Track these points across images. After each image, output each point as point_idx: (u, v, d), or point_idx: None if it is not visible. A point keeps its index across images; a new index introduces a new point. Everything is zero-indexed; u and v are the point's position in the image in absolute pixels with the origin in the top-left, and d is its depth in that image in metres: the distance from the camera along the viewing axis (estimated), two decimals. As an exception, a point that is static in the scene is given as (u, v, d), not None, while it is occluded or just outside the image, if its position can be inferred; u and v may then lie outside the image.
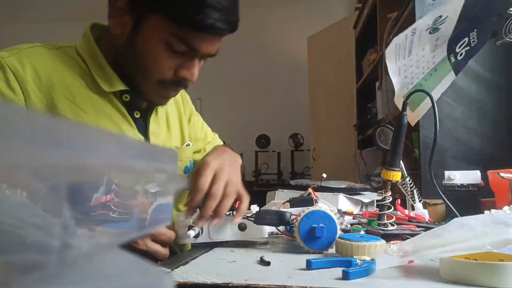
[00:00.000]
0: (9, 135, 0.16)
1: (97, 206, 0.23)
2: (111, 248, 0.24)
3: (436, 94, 1.08)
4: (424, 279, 0.55)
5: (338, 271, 0.60)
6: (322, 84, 4.07)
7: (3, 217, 0.22)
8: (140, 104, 0.92)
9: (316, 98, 4.16)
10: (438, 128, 0.89)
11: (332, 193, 1.14)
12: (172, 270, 0.60)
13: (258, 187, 4.78)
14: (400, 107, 0.89)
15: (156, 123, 0.96)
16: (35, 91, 0.80)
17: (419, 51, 1.00)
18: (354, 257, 0.66)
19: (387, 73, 1.01)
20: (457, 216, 0.91)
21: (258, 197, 1.14)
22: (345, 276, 0.55)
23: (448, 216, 1.07)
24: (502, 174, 1.01)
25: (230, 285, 0.53)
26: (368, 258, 0.64)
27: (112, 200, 0.23)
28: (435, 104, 0.88)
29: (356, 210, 1.17)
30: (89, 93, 0.85)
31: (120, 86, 0.87)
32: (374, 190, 1.30)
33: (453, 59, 1.04)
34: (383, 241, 0.69)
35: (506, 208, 0.90)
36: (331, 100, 3.98)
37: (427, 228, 0.92)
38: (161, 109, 0.98)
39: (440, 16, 0.95)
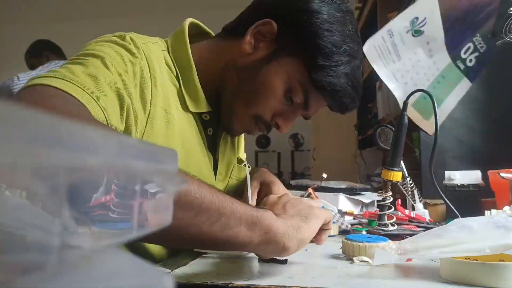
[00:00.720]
0: (9, 135, 0.16)
1: (97, 206, 0.23)
2: (111, 248, 0.24)
3: (452, 101, 1.09)
4: (424, 279, 0.55)
5: (338, 271, 0.60)
6: (322, 84, 4.07)
7: (3, 217, 0.22)
8: (215, 123, 0.88)
9: (316, 98, 4.16)
10: (438, 128, 0.89)
11: (332, 193, 1.14)
12: (172, 270, 0.60)
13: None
14: (411, 115, 0.90)
15: (224, 141, 0.93)
16: (159, 83, 0.74)
17: (410, 55, 1.00)
18: (355, 257, 0.66)
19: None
20: (458, 216, 0.91)
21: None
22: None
23: (448, 216, 1.07)
24: (502, 174, 1.01)
25: (230, 285, 0.53)
26: (369, 261, 0.64)
27: (111, 200, 0.23)
28: (435, 103, 0.88)
29: (356, 210, 1.17)
30: (177, 103, 0.80)
31: (205, 108, 0.83)
32: (375, 190, 1.30)
33: (462, 66, 1.04)
34: (390, 242, 0.69)
35: (506, 208, 0.90)
36: (331, 100, 3.98)
37: (427, 228, 0.92)
38: None
39: (417, 18, 0.95)
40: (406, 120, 0.87)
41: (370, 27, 3.03)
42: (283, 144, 5.37)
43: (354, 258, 0.65)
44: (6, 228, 0.21)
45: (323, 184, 1.18)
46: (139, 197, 0.25)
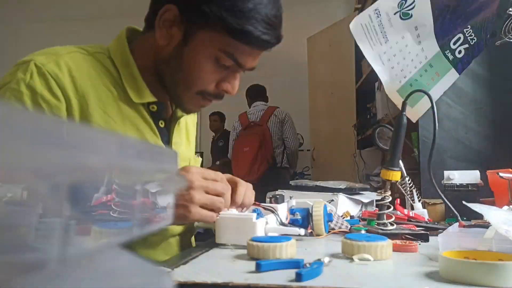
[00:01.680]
0: (9, 135, 0.16)
1: (98, 206, 0.23)
2: (111, 248, 0.24)
3: (437, 92, 1.08)
4: (424, 279, 0.55)
5: (339, 272, 0.60)
6: (322, 84, 4.08)
7: (3, 217, 0.22)
8: (165, 114, 0.93)
9: (316, 98, 4.16)
10: (437, 128, 0.89)
11: (332, 193, 1.14)
12: (173, 269, 0.60)
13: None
14: (393, 99, 0.89)
15: (178, 133, 0.98)
16: (73, 98, 0.80)
17: (398, 38, 0.99)
18: (354, 256, 0.66)
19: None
20: (457, 216, 0.92)
21: (258, 197, 1.14)
22: (298, 278, 0.54)
23: (447, 216, 1.08)
24: (501, 174, 1.01)
25: (230, 284, 0.53)
26: (370, 258, 0.64)
27: (112, 200, 0.23)
28: (434, 104, 0.88)
29: (356, 209, 1.17)
30: (118, 102, 0.85)
31: (150, 98, 0.88)
32: (374, 190, 1.31)
33: (450, 56, 1.04)
34: (389, 241, 0.69)
35: (505, 207, 0.90)
36: (330, 100, 3.98)
37: (426, 228, 0.92)
38: (182, 120, 0.99)
39: (405, 0, 0.95)
40: (405, 120, 0.87)
41: (369, 27, 3.03)
42: (283, 144, 5.37)
43: (354, 257, 0.65)
44: (7, 227, 0.21)
45: (323, 184, 1.18)
46: (139, 197, 0.25)
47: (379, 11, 0.95)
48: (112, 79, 0.86)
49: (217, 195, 0.78)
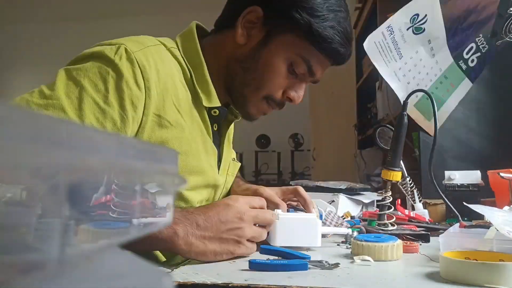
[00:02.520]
0: (9, 135, 0.16)
1: (97, 206, 0.23)
2: (111, 248, 0.24)
3: (453, 102, 1.09)
4: (424, 279, 0.55)
5: (340, 272, 0.60)
6: (323, 84, 4.06)
7: (3, 217, 0.22)
8: (222, 119, 0.93)
9: (317, 98, 4.16)
10: (438, 128, 0.89)
11: (332, 194, 1.14)
12: (172, 270, 0.60)
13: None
14: (412, 114, 0.89)
15: (227, 138, 0.98)
16: (154, 91, 0.78)
17: (412, 54, 0.99)
18: (355, 257, 0.66)
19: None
20: (458, 216, 0.91)
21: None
22: (251, 266, 0.59)
23: (448, 216, 1.07)
24: (502, 174, 1.01)
25: (230, 285, 0.53)
26: (370, 259, 0.64)
27: (112, 200, 0.23)
28: (435, 104, 0.88)
29: (357, 210, 1.17)
30: (189, 102, 0.85)
31: (217, 103, 0.88)
32: (374, 190, 1.30)
33: (464, 66, 1.04)
34: (399, 241, 0.68)
35: (506, 208, 0.90)
36: (331, 100, 3.98)
37: (427, 228, 0.92)
38: (230, 126, 0.99)
39: (417, 15, 0.95)
40: (406, 120, 0.87)
41: (370, 27, 3.02)
42: (283, 144, 5.37)
43: (355, 258, 0.65)
44: (7, 227, 0.21)
45: (323, 184, 1.18)
46: (139, 197, 0.25)
47: (392, 28, 0.95)
48: (187, 78, 0.86)
49: (265, 225, 0.73)
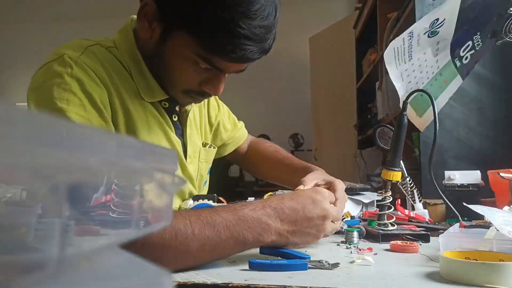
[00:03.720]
0: (9, 135, 0.16)
1: (97, 206, 0.23)
2: (111, 248, 0.24)
3: (443, 98, 1.08)
4: (424, 279, 0.55)
5: (340, 272, 0.60)
6: (324, 84, 4.07)
7: (3, 217, 0.22)
8: (175, 108, 0.93)
9: (318, 98, 4.16)
10: (438, 128, 0.89)
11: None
12: (172, 270, 0.60)
13: (258, 187, 4.78)
14: (407, 112, 0.89)
15: (189, 125, 0.98)
16: (111, 87, 0.79)
17: (420, 55, 1.00)
18: (355, 257, 0.66)
19: (387, 73, 1.01)
20: (458, 216, 0.91)
21: (258, 197, 1.14)
22: (251, 266, 0.60)
23: (448, 216, 1.07)
24: (502, 174, 1.01)
25: (230, 285, 0.53)
26: (371, 260, 0.64)
27: (111, 200, 0.23)
28: (435, 104, 0.88)
29: (357, 210, 1.17)
30: (136, 98, 0.84)
31: (161, 96, 0.87)
32: (374, 190, 1.30)
33: (458, 63, 1.04)
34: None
35: (506, 208, 0.90)
36: (332, 100, 3.98)
37: (427, 228, 0.92)
38: (191, 112, 0.98)
39: (437, 19, 0.95)
40: (406, 120, 0.87)
41: (370, 27, 3.03)
42: (283, 144, 5.36)
43: (355, 258, 0.66)
44: (7, 227, 0.21)
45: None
46: (139, 197, 0.25)
47: (412, 34, 0.95)
48: (126, 73, 0.84)
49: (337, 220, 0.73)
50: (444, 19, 0.96)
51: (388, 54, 0.97)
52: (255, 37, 0.74)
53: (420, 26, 0.96)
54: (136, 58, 0.85)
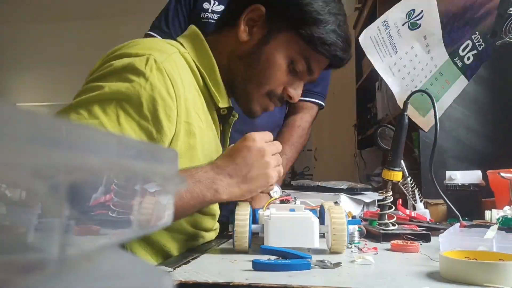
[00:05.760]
0: (9, 135, 0.16)
1: (97, 206, 0.23)
2: (111, 248, 0.24)
3: (448, 99, 1.09)
4: (424, 279, 0.55)
5: (340, 271, 0.60)
6: (323, 85, 4.06)
7: (3, 217, 0.22)
8: (230, 117, 0.95)
9: (318, 98, 4.15)
10: (438, 128, 0.89)
11: (333, 193, 1.14)
12: (174, 269, 0.60)
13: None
14: (408, 111, 0.89)
15: (229, 136, 1.00)
16: (182, 99, 0.79)
17: (407, 49, 1.00)
18: (356, 257, 0.66)
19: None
20: (458, 216, 0.91)
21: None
22: (254, 266, 0.60)
23: (449, 216, 1.07)
24: (502, 174, 1.01)
25: (231, 284, 0.53)
26: (372, 260, 0.64)
27: (111, 200, 0.23)
28: (435, 104, 0.88)
29: (358, 210, 1.17)
30: (204, 106, 0.87)
31: (227, 103, 0.91)
32: (374, 190, 1.30)
33: (459, 63, 1.04)
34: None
35: (506, 208, 0.90)
36: (331, 100, 3.98)
37: (428, 228, 0.92)
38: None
39: (413, 10, 0.96)
40: (406, 120, 0.87)
41: (370, 27, 3.02)
42: (283, 144, 5.36)
43: (355, 257, 0.66)
44: (7, 227, 0.21)
45: (324, 184, 1.18)
46: (139, 197, 0.25)
47: (387, 23, 0.96)
48: (199, 83, 0.87)
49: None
50: (422, 11, 0.96)
51: (366, 43, 0.98)
52: (349, 43, 0.89)
53: (394, 15, 0.97)
54: (212, 67, 0.88)
